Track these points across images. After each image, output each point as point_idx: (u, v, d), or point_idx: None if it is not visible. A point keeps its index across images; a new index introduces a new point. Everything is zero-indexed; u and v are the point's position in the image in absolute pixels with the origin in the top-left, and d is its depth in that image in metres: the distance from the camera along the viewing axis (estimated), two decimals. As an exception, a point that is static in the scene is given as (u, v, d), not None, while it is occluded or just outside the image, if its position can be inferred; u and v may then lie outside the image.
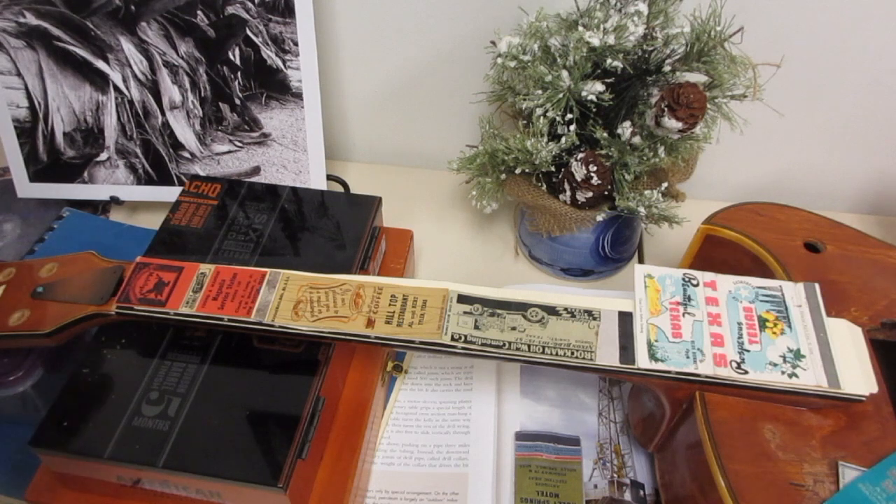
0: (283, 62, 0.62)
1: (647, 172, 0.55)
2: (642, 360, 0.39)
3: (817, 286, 0.43)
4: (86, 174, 0.65)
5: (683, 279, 0.43)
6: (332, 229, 0.51)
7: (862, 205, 0.73)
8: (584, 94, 0.50)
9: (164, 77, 0.62)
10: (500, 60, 0.53)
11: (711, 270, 0.44)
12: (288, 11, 0.60)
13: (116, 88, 0.62)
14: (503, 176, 0.56)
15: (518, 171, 0.55)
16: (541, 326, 0.41)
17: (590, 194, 0.54)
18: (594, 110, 0.52)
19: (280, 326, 0.41)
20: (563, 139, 0.52)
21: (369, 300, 0.42)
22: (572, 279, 0.63)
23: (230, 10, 0.60)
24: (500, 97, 0.57)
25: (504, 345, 0.40)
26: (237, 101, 0.63)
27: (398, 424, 0.52)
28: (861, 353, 0.40)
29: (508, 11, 0.59)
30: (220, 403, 0.40)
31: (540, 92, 0.51)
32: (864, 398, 0.38)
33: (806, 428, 0.39)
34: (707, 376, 0.39)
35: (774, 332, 0.40)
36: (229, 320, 0.41)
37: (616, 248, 0.61)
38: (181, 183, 0.66)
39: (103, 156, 0.65)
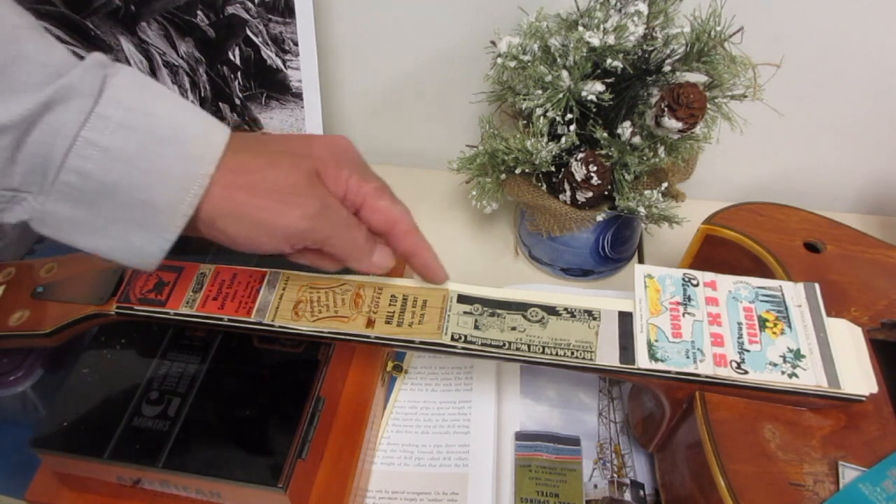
0: (283, 62, 0.62)
1: (647, 172, 0.55)
2: (642, 360, 0.39)
3: (817, 286, 0.43)
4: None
5: (683, 279, 0.43)
6: (332, 229, 0.51)
7: (862, 205, 0.73)
8: (584, 94, 0.50)
9: (164, 77, 0.62)
10: (500, 60, 0.53)
11: (711, 270, 0.44)
12: (288, 11, 0.60)
13: (116, 88, 0.62)
14: (503, 176, 0.56)
15: (518, 171, 0.55)
16: (541, 326, 0.41)
17: (590, 194, 0.54)
18: (594, 110, 0.52)
19: (280, 326, 0.41)
20: (563, 139, 0.52)
21: (369, 300, 0.42)
22: (572, 279, 0.63)
23: (230, 10, 0.60)
24: (500, 97, 0.57)
25: (504, 345, 0.40)
26: (237, 101, 0.63)
27: (398, 424, 0.52)
28: (861, 353, 0.40)
29: (508, 11, 0.59)
30: (220, 403, 0.40)
31: (540, 92, 0.51)
32: (864, 398, 0.38)
33: (806, 428, 0.39)
34: (707, 376, 0.39)
35: (774, 332, 0.40)
36: (229, 320, 0.41)
37: (616, 248, 0.61)
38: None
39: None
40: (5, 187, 0.31)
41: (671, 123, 0.49)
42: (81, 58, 0.32)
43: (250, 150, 0.35)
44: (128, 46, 0.61)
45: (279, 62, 0.62)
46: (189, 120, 0.33)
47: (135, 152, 0.31)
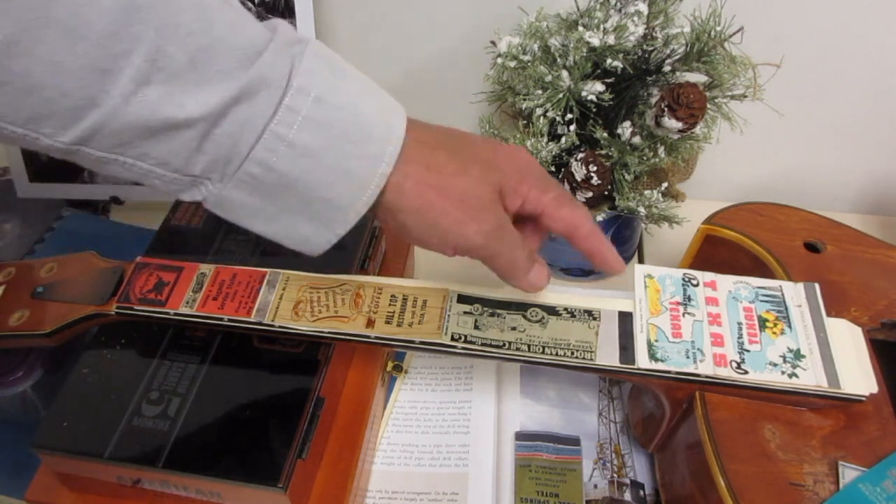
0: (283, 62, 0.62)
1: (647, 172, 0.55)
2: (642, 360, 0.39)
3: (817, 286, 0.43)
4: (86, 174, 0.65)
5: (683, 279, 0.43)
6: (332, 229, 0.51)
7: (862, 205, 0.73)
8: (584, 94, 0.50)
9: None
10: (500, 60, 0.53)
11: (711, 270, 0.44)
12: (288, 11, 0.60)
13: (116, 88, 0.62)
14: (503, 176, 0.56)
15: (518, 171, 0.55)
16: (541, 326, 0.41)
17: (590, 194, 0.54)
18: (594, 110, 0.52)
19: (280, 326, 0.41)
20: (563, 139, 0.52)
21: (369, 300, 0.42)
22: (572, 279, 0.63)
23: (230, 10, 0.60)
24: (500, 97, 0.57)
25: (504, 345, 0.40)
26: (237, 101, 0.63)
27: (398, 424, 0.52)
28: (861, 353, 0.40)
29: (508, 11, 0.59)
30: (220, 403, 0.40)
31: (540, 92, 0.51)
32: (864, 398, 0.38)
33: (806, 428, 0.39)
34: (707, 376, 0.39)
35: (774, 332, 0.40)
36: (229, 320, 0.41)
37: (616, 248, 0.61)
38: (181, 183, 0.66)
39: (103, 156, 0.64)
40: (187, 173, 0.31)
41: (671, 123, 0.49)
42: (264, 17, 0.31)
43: (441, 148, 0.35)
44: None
45: (279, 62, 0.62)
46: (371, 111, 0.32)
47: (320, 150, 0.31)
